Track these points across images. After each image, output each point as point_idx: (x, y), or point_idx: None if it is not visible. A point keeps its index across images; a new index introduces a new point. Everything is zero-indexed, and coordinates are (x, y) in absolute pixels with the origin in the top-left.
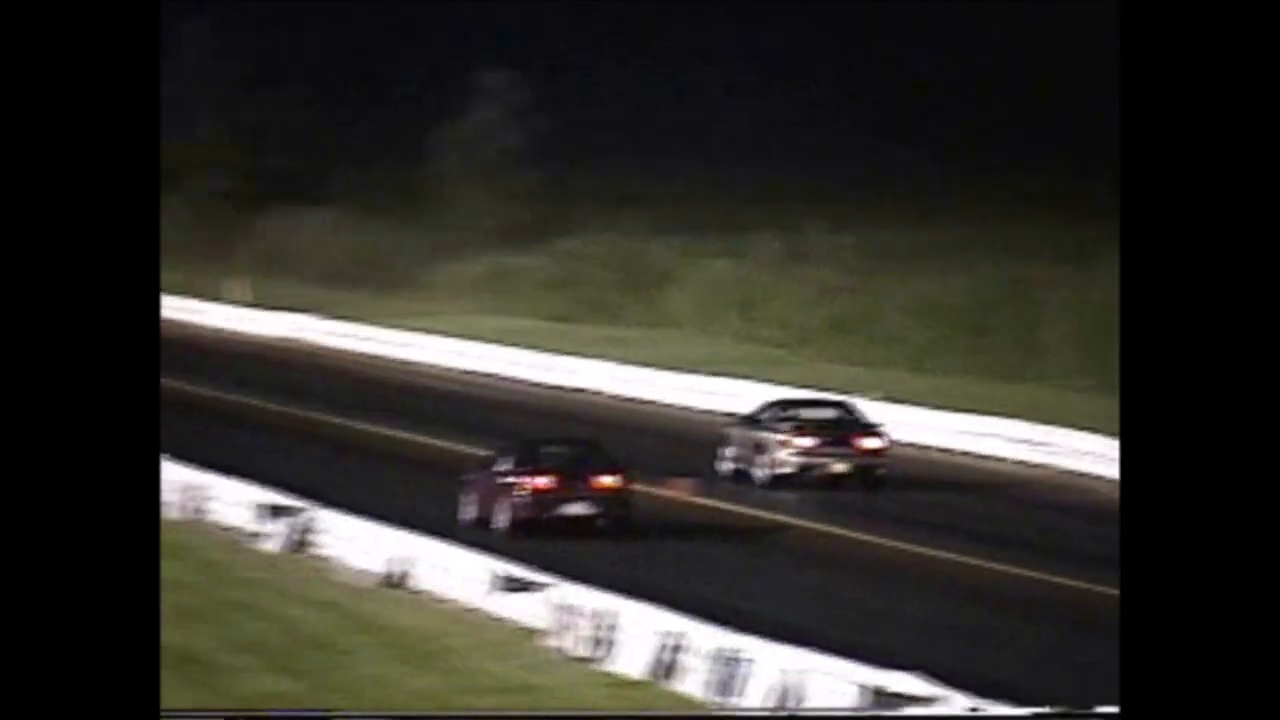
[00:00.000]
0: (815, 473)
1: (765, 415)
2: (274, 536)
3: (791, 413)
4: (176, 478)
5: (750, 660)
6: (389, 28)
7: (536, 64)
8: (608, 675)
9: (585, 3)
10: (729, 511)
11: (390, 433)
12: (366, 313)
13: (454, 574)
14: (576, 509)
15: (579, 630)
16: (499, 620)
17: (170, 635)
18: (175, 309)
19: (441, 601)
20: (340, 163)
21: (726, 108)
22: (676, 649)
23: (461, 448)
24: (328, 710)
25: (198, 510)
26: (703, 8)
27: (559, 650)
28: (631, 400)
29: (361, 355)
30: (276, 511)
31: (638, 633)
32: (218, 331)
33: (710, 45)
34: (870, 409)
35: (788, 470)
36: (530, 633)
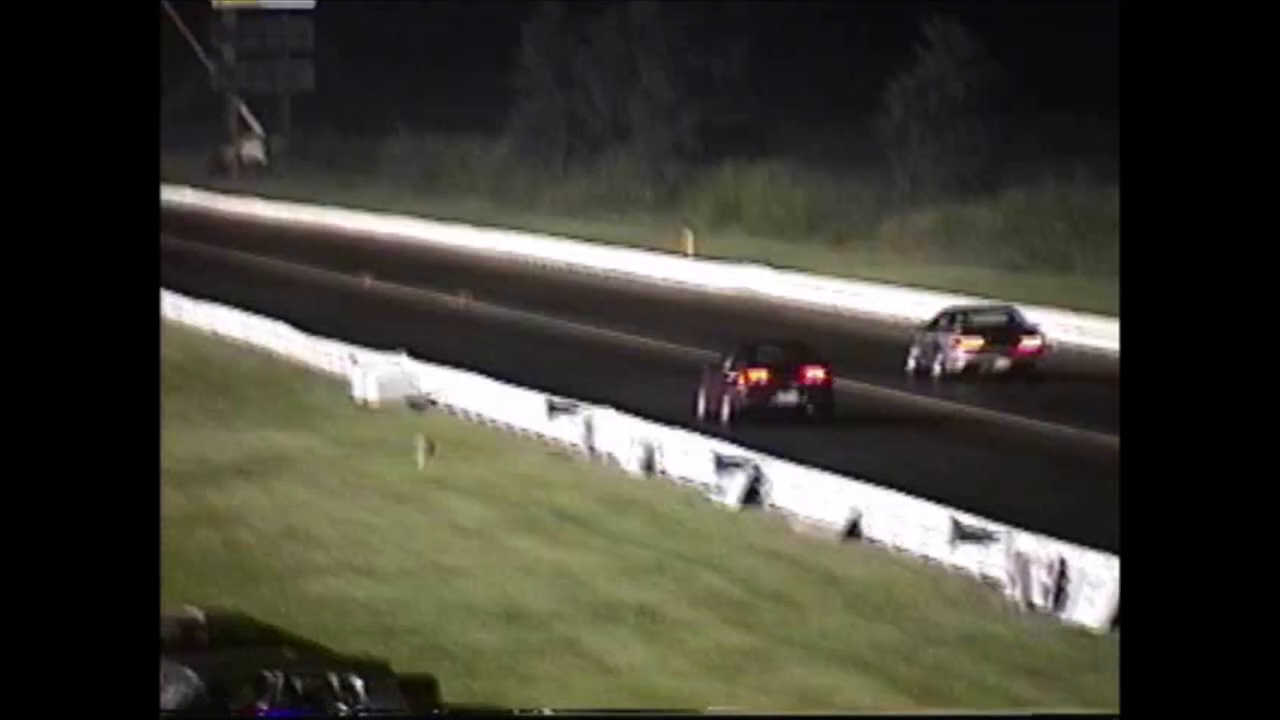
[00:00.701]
0: (981, 370)
1: (942, 321)
2: (730, 489)
3: (963, 318)
4: (633, 433)
5: None
6: None
7: (983, 13)
8: (1065, 625)
9: None
10: None
11: (843, 383)
12: (816, 264)
13: (909, 523)
14: (787, 399)
15: (1035, 580)
16: (956, 570)
17: (629, 590)
18: (627, 261)
19: (899, 551)
20: (789, 115)
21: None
22: None
23: (920, 398)
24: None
25: (654, 464)
26: None
27: (1015, 600)
28: (1084, 349)
29: (810, 306)
30: (730, 464)
31: (1094, 581)
32: (668, 283)
33: None
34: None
35: (959, 367)
36: (987, 583)
